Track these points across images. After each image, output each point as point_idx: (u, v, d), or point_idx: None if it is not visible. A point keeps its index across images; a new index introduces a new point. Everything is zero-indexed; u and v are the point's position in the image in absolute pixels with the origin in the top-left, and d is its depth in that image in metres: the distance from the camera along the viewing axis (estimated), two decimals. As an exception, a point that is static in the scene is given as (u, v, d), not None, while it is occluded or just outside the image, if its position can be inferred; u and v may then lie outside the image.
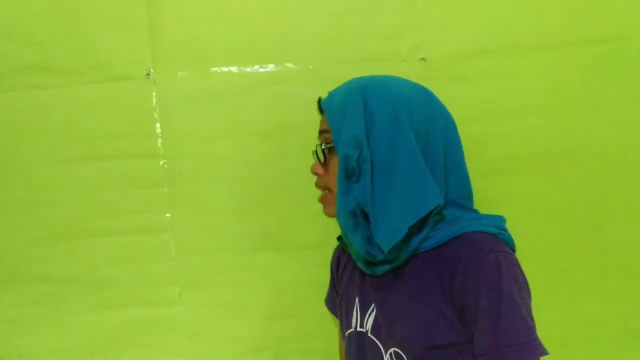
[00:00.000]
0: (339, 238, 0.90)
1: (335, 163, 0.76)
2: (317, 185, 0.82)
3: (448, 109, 0.79)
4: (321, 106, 0.81)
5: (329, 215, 0.80)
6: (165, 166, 1.07)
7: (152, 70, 1.05)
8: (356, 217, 0.73)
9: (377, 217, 0.71)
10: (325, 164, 0.80)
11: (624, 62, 1.04)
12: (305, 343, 1.10)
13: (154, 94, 1.05)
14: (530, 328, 0.64)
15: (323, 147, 0.79)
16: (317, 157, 0.81)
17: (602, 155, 1.05)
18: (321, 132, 0.81)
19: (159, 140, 1.06)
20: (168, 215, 1.08)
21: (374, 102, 0.73)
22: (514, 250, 0.73)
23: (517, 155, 1.05)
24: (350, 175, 0.73)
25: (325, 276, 1.03)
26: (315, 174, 0.81)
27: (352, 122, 0.72)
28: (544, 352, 0.63)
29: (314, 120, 0.97)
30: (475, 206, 0.81)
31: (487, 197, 1.02)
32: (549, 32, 1.03)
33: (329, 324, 1.09)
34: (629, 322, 1.08)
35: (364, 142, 0.71)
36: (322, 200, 0.82)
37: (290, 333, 1.10)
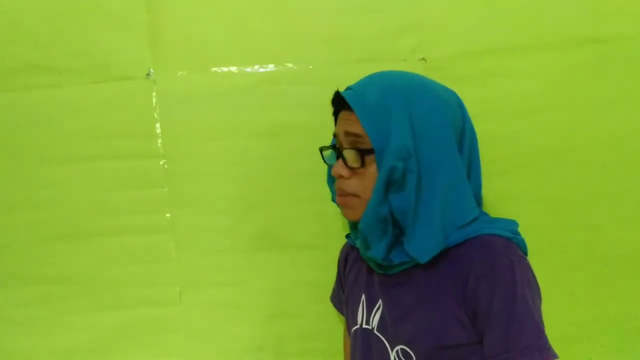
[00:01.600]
0: (348, 235, 0.90)
1: (372, 169, 0.70)
2: (341, 188, 0.74)
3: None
4: (340, 102, 0.75)
5: (350, 219, 0.77)
6: (165, 166, 1.07)
7: (152, 70, 1.05)
8: (385, 224, 0.71)
9: (416, 228, 0.70)
10: (357, 168, 0.72)
11: (624, 62, 1.04)
12: (305, 343, 1.10)
13: (154, 94, 1.05)
14: (541, 332, 0.65)
15: (361, 150, 0.71)
16: (341, 158, 0.73)
17: (602, 155, 1.05)
18: (348, 133, 0.73)
19: (159, 140, 1.06)
20: (168, 215, 1.08)
21: (421, 107, 0.70)
22: (526, 254, 0.73)
23: (517, 155, 1.05)
24: (391, 184, 0.69)
25: (325, 276, 1.03)
26: (340, 176, 0.74)
27: (399, 130, 0.68)
28: (554, 356, 0.64)
29: (314, 120, 0.97)
30: (475, 206, 0.81)
31: (487, 197, 1.02)
32: (549, 32, 1.03)
33: (329, 324, 1.09)
34: (629, 322, 1.08)
35: (412, 153, 0.68)
36: (344, 203, 0.75)
37: (290, 333, 1.10)
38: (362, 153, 0.71)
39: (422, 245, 0.69)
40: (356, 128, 0.71)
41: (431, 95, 0.72)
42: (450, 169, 0.70)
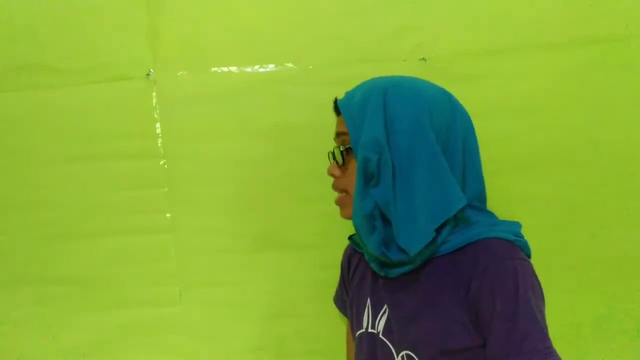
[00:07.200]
0: (350, 237, 0.90)
1: (353, 165, 0.75)
2: (335, 187, 0.81)
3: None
4: (337, 107, 0.80)
5: (346, 217, 0.79)
6: (165, 166, 1.07)
7: (152, 70, 1.05)
8: (373, 220, 0.73)
9: (400, 221, 0.70)
10: (343, 166, 0.78)
11: (624, 62, 1.04)
12: (306, 343, 1.10)
13: (154, 94, 1.05)
14: (545, 336, 0.64)
15: (341, 149, 0.77)
16: (335, 159, 0.80)
17: (602, 155, 1.05)
18: (338, 134, 0.79)
19: (159, 140, 1.06)
20: (168, 215, 1.08)
21: (394, 104, 0.72)
22: (529, 257, 0.73)
23: (517, 155, 1.05)
24: (369, 178, 0.72)
25: (326, 276, 1.03)
26: (332, 175, 0.80)
27: (372, 124, 0.71)
28: None
29: (314, 120, 0.97)
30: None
31: (487, 197, 1.02)
32: (549, 32, 1.03)
33: (330, 324, 1.09)
34: (629, 322, 1.08)
35: (384, 145, 0.70)
36: (339, 202, 0.80)
37: (290, 333, 1.10)
38: (345, 150, 0.76)
39: (409, 237, 0.70)
40: (343, 128, 0.76)
41: (407, 89, 0.74)
42: (428, 160, 0.70)
